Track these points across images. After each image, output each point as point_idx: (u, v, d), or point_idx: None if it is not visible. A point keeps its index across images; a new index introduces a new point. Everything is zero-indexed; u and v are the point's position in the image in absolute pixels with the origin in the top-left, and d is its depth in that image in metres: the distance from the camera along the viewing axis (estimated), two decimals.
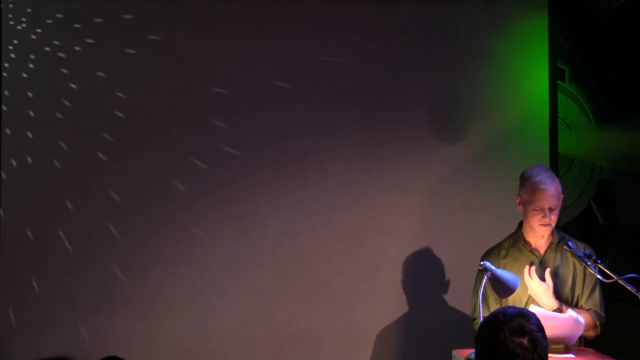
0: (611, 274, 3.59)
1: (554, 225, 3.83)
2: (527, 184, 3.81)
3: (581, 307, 3.87)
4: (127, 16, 4.85)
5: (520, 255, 3.89)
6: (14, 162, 4.77)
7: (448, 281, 4.97)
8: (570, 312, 3.65)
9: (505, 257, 3.91)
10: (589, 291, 3.88)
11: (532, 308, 3.56)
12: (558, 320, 3.61)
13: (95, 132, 4.82)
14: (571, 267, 3.87)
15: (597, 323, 3.84)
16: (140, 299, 4.81)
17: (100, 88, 4.82)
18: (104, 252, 4.79)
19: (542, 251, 3.89)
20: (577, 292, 3.88)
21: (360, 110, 4.97)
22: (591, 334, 3.84)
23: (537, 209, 3.78)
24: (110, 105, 4.83)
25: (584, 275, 3.87)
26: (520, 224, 3.94)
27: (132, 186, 4.83)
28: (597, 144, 5.88)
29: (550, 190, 3.76)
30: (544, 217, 3.78)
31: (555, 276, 3.84)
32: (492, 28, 5.07)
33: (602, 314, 3.88)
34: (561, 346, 3.68)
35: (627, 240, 5.40)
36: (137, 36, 4.85)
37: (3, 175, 4.76)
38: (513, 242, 3.94)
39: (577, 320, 3.64)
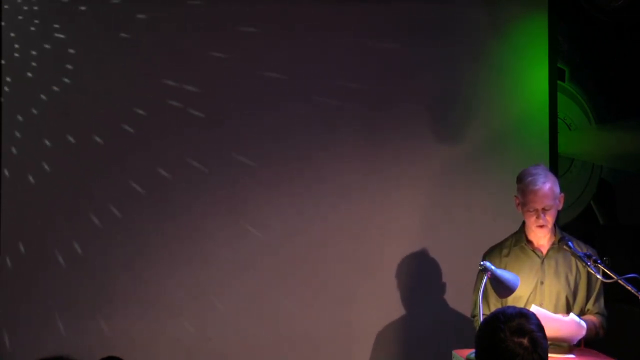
0: (611, 274, 3.59)
1: (550, 225, 3.82)
2: (520, 185, 3.82)
3: (588, 311, 3.88)
4: (122, 13, 4.86)
5: (522, 254, 3.90)
6: (14, 162, 4.77)
7: (448, 281, 4.96)
8: (572, 316, 3.65)
9: (507, 255, 3.91)
10: (595, 295, 3.89)
11: (533, 309, 3.56)
12: (559, 322, 3.61)
13: (95, 133, 4.82)
14: (574, 267, 3.87)
15: (605, 326, 3.86)
16: (140, 299, 4.80)
17: (100, 88, 4.82)
18: (104, 252, 4.79)
19: (544, 251, 3.89)
20: (581, 293, 3.87)
21: (359, 110, 4.97)
22: (599, 336, 3.86)
23: (531, 210, 3.79)
24: (110, 105, 4.82)
25: (588, 276, 3.86)
26: (523, 223, 3.94)
27: (131, 186, 4.82)
28: (597, 144, 5.88)
29: (542, 190, 3.75)
30: (537, 218, 3.78)
31: (557, 276, 3.85)
32: (492, 28, 5.07)
33: (606, 316, 3.91)
34: (564, 345, 3.68)
35: (627, 240, 5.40)
36: (138, 37, 4.85)
37: (3, 173, 4.76)
38: (515, 241, 3.94)
39: (579, 324, 3.63)
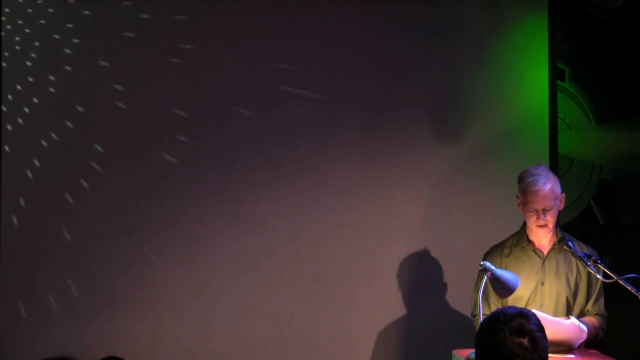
0: (611, 274, 3.59)
1: (551, 226, 3.81)
2: (521, 185, 3.82)
3: (588, 312, 3.88)
4: (123, 14, 4.86)
5: (523, 255, 3.89)
6: (14, 162, 4.77)
7: (448, 281, 4.97)
8: (573, 319, 3.64)
9: (508, 255, 3.91)
10: (595, 296, 3.88)
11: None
12: (560, 325, 3.60)
13: (96, 132, 4.82)
14: (574, 268, 3.87)
15: (604, 327, 3.86)
16: (140, 299, 4.80)
17: (101, 89, 4.82)
18: (104, 252, 4.79)
19: (545, 251, 3.89)
20: (581, 294, 3.87)
21: (360, 110, 4.97)
22: (599, 337, 3.86)
23: (531, 210, 3.79)
24: (112, 105, 4.83)
25: (588, 277, 3.86)
26: (525, 223, 3.93)
27: (132, 186, 4.82)
28: (597, 144, 5.89)
29: (543, 191, 3.75)
30: (538, 218, 3.78)
31: (558, 276, 3.85)
32: (492, 28, 5.07)
33: (606, 317, 3.90)
34: (564, 346, 3.68)
35: (627, 240, 5.40)
36: (138, 38, 4.86)
37: (3, 175, 4.76)
38: (517, 241, 3.94)
39: (579, 328, 3.63)
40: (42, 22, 4.82)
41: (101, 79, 4.83)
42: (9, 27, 4.80)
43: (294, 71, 4.94)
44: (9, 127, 4.78)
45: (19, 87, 4.80)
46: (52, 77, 4.81)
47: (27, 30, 4.81)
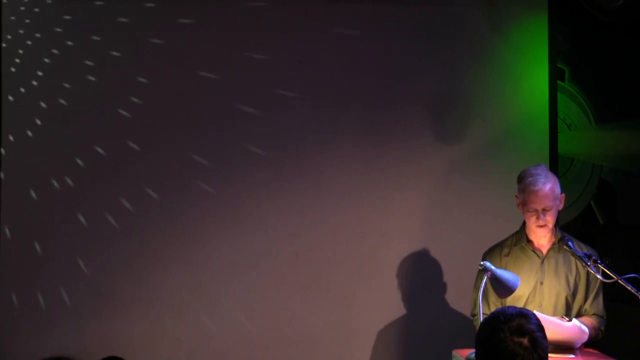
0: (611, 274, 3.59)
1: (550, 225, 3.82)
2: (521, 185, 3.82)
3: (585, 311, 3.88)
4: (124, 19, 4.86)
5: (522, 255, 3.89)
6: (14, 163, 4.78)
7: (448, 281, 4.97)
8: (574, 321, 3.64)
9: (508, 255, 3.91)
10: (593, 295, 3.87)
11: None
12: (561, 327, 3.60)
13: (97, 133, 4.82)
14: (574, 268, 3.87)
15: (602, 328, 3.86)
16: (140, 299, 4.80)
17: (101, 90, 4.83)
18: (104, 253, 4.79)
19: (544, 251, 3.89)
20: (580, 294, 3.87)
21: (360, 110, 4.97)
22: (598, 337, 3.85)
23: (531, 210, 3.79)
24: (115, 106, 4.83)
25: (587, 277, 3.86)
26: (524, 223, 3.93)
27: (132, 187, 4.82)
28: (597, 144, 5.89)
29: (542, 191, 3.75)
30: (537, 218, 3.78)
31: (557, 276, 3.85)
32: (492, 28, 5.07)
33: (605, 318, 3.90)
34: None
35: (627, 240, 5.40)
36: (139, 41, 4.85)
37: (3, 176, 4.76)
38: (516, 241, 3.94)
39: (580, 329, 3.63)
40: (39, 24, 4.83)
41: (100, 80, 4.83)
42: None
43: (294, 71, 4.94)
44: (10, 137, 4.78)
45: (22, 89, 4.80)
46: (51, 78, 4.81)
47: (21, 31, 4.82)
